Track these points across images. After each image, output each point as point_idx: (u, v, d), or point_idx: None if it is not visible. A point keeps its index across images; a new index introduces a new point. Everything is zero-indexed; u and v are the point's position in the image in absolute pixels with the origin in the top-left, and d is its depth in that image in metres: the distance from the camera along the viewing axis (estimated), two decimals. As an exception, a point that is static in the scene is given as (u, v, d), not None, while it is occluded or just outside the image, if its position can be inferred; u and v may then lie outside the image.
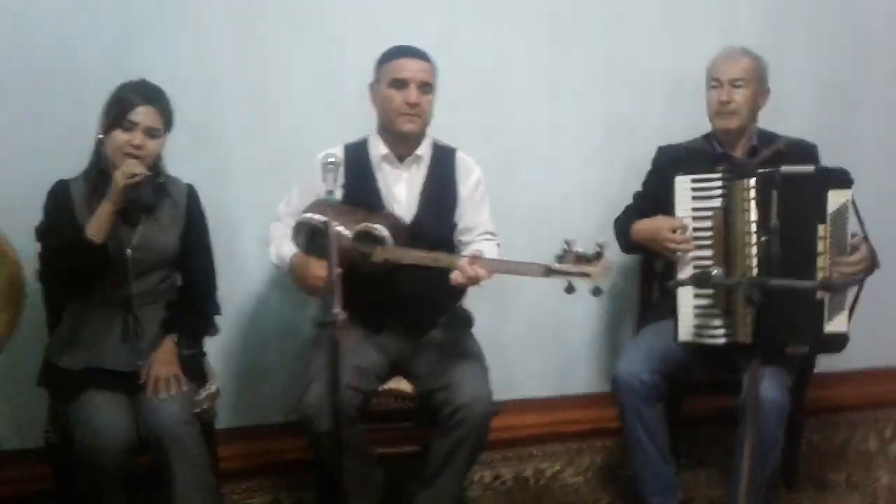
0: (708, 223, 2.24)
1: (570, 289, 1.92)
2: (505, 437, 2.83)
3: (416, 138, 2.26)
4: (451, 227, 2.29)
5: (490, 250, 2.22)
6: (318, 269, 2.08)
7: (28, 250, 2.16)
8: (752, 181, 2.16)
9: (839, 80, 3.04)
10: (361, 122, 2.33)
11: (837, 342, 2.21)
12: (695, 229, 2.26)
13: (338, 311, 1.72)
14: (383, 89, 2.21)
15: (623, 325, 3.04)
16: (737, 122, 2.34)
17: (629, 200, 2.56)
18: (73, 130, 2.26)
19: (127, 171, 2.01)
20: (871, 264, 2.23)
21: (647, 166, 2.52)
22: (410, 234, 2.18)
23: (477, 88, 2.73)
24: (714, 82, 2.36)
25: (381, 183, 2.27)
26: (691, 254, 2.26)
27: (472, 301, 2.78)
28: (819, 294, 2.13)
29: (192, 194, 2.27)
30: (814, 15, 2.97)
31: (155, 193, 2.16)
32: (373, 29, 2.57)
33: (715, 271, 2.02)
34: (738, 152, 2.40)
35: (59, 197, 2.13)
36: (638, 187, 2.55)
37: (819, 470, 2.75)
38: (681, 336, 2.26)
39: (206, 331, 2.33)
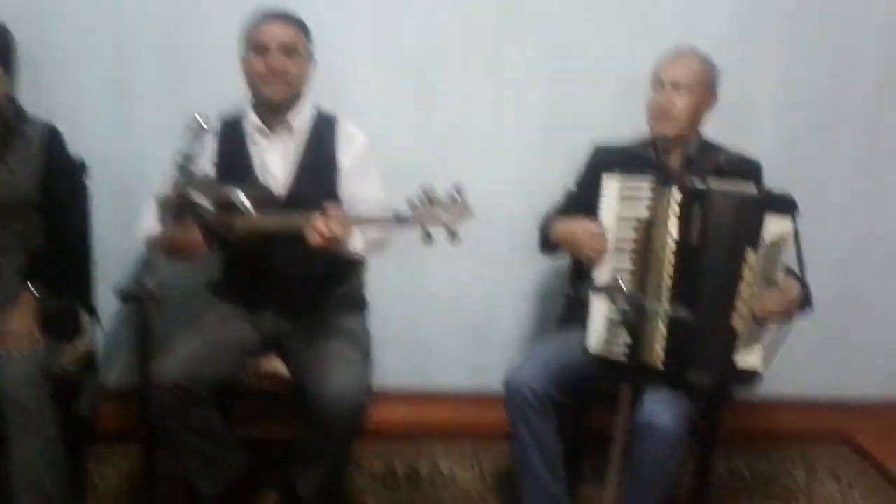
0: (631, 232, 2.05)
1: (426, 238, 1.75)
2: (406, 428, 2.72)
3: (286, 106, 2.09)
4: (334, 199, 2.10)
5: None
6: (184, 235, 1.93)
7: None
8: (677, 193, 1.97)
9: (813, 96, 2.75)
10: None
11: (747, 378, 2.03)
12: (618, 238, 2.07)
13: (148, 281, 1.54)
14: (247, 56, 2.05)
15: (551, 326, 2.85)
16: (674, 129, 2.13)
17: (566, 196, 2.37)
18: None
19: None
20: (799, 306, 2.06)
21: (587, 163, 2.33)
22: (285, 208, 2.01)
23: (411, 66, 2.55)
24: (657, 83, 2.15)
25: (255, 155, 2.12)
26: (611, 262, 2.08)
27: (392, 285, 2.65)
28: (737, 322, 1.95)
29: (50, 136, 2.09)
30: (787, 21, 2.67)
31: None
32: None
33: (625, 285, 1.89)
34: (674, 161, 2.20)
35: None
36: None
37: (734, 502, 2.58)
38: (590, 346, 2.10)
39: (75, 283, 2.17)
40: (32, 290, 2.04)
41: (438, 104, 2.58)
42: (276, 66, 2.00)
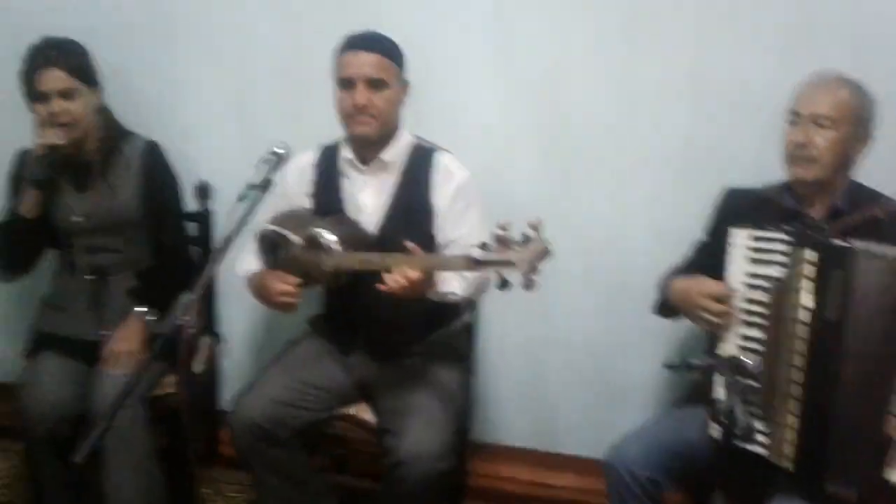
0: (763, 295, 1.73)
1: (501, 284, 1.53)
2: (525, 489, 2.51)
3: (378, 141, 1.97)
4: (428, 240, 1.96)
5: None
6: (274, 282, 1.88)
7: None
8: (813, 253, 1.62)
9: None
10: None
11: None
12: (747, 300, 1.75)
13: (187, 319, 1.50)
14: (336, 90, 1.95)
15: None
16: (815, 173, 1.75)
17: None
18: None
19: (41, 142, 1.94)
20: None
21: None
22: (375, 247, 1.90)
23: (530, 91, 2.32)
24: (793, 116, 1.79)
25: (346, 190, 2.02)
26: (739, 330, 1.76)
27: (510, 332, 2.46)
28: (891, 426, 1.56)
29: (150, 152, 2.15)
30: None
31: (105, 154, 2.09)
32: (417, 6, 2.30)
33: (749, 360, 1.61)
34: (817, 211, 1.82)
35: (12, 169, 2.14)
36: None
37: None
38: (713, 430, 1.79)
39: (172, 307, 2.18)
40: (140, 310, 2.11)
41: (560, 133, 2.33)
42: (363, 104, 1.89)
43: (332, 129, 2.02)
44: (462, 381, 2.09)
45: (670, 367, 1.71)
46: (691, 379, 2.02)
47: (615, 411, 2.43)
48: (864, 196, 1.80)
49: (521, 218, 2.23)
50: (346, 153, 2.01)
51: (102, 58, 2.23)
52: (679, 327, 2.32)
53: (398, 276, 1.66)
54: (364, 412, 2.06)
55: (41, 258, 2.18)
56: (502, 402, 2.58)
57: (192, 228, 2.39)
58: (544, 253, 1.52)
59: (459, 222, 1.95)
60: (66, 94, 1.98)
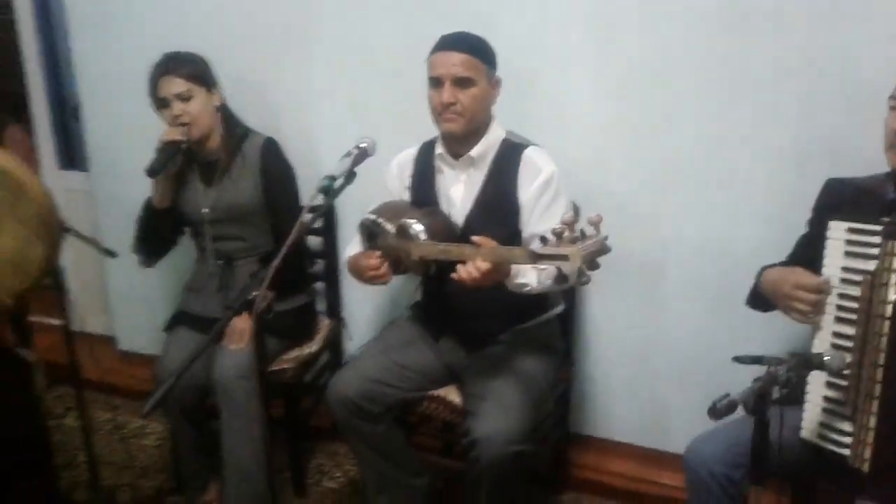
0: (857, 290, 1.62)
1: (559, 278, 1.54)
2: (629, 485, 2.49)
3: (468, 137, 2.02)
4: (513, 234, 1.99)
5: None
6: (363, 259, 2.01)
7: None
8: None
9: None
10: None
11: None
12: (841, 295, 1.65)
13: (262, 294, 1.64)
14: (428, 88, 2.01)
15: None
16: None
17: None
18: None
19: (162, 138, 2.18)
20: None
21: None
22: (460, 239, 1.96)
23: (634, 81, 2.28)
24: (894, 101, 1.66)
25: (440, 184, 2.11)
26: (831, 327, 1.67)
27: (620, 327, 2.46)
28: None
29: (268, 148, 2.34)
30: None
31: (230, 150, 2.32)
32: (522, 12, 2.34)
33: (828, 356, 1.52)
34: None
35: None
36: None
37: None
38: (803, 431, 1.71)
39: (290, 289, 2.37)
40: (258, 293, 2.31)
41: (665, 126, 2.28)
42: (449, 101, 1.95)
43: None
44: (547, 370, 2.11)
45: (739, 360, 1.64)
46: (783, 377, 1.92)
47: (724, 412, 2.35)
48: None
49: (620, 213, 2.28)
50: (440, 149, 2.10)
51: (237, 68, 2.50)
52: (794, 328, 2.20)
53: (470, 266, 1.73)
54: (452, 394, 2.15)
55: (174, 245, 2.45)
56: (611, 397, 2.57)
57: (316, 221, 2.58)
58: (600, 249, 1.52)
59: (545, 216, 1.97)
60: (183, 97, 2.22)
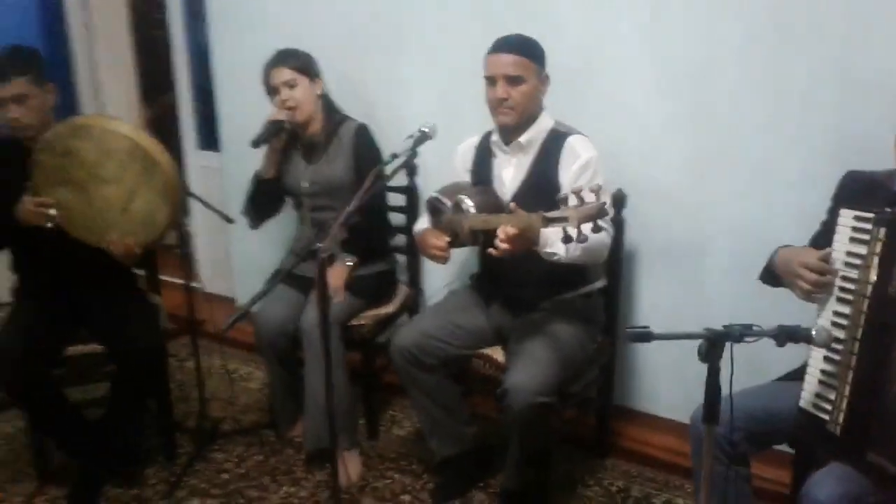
0: (856, 273, 1.78)
1: (565, 239, 1.82)
2: (667, 457, 2.66)
3: (518, 127, 2.29)
4: None
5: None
6: (430, 237, 2.32)
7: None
8: (883, 230, 1.65)
9: None
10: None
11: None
12: (843, 277, 1.81)
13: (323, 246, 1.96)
14: (484, 85, 2.29)
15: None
16: None
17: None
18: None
19: (269, 117, 2.58)
20: None
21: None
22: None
23: (685, 85, 2.49)
24: None
25: (495, 167, 2.38)
26: (833, 307, 1.82)
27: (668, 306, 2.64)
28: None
29: (359, 133, 2.68)
30: None
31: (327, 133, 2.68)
32: (586, 16, 2.58)
33: (815, 331, 1.67)
34: None
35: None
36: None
37: None
38: (802, 401, 1.87)
39: (372, 256, 2.73)
40: (346, 256, 2.67)
41: (710, 124, 2.47)
42: (502, 97, 2.22)
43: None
44: (584, 338, 2.35)
45: (728, 329, 1.80)
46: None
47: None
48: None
49: (667, 201, 2.49)
50: (495, 136, 2.38)
51: (339, 63, 2.87)
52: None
53: (500, 231, 2.00)
54: (497, 354, 2.42)
55: (276, 212, 2.85)
56: (657, 374, 2.76)
57: (400, 199, 2.93)
58: (597, 211, 1.76)
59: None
60: (289, 85, 2.61)
